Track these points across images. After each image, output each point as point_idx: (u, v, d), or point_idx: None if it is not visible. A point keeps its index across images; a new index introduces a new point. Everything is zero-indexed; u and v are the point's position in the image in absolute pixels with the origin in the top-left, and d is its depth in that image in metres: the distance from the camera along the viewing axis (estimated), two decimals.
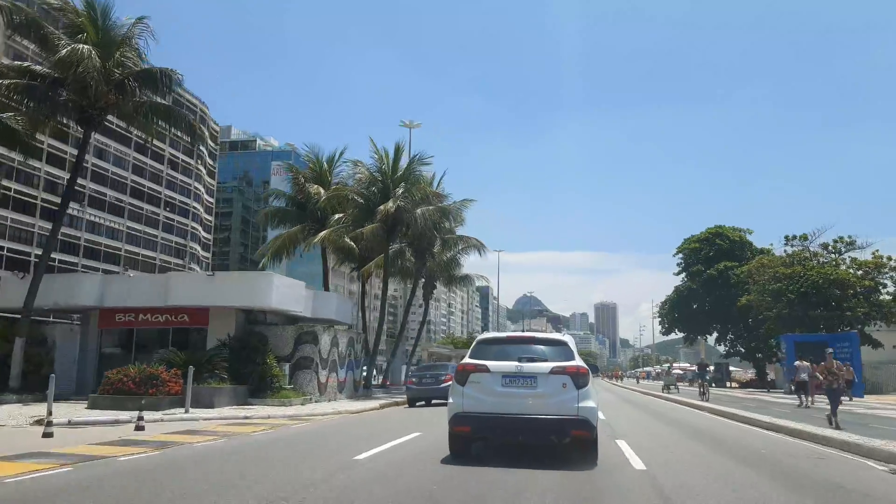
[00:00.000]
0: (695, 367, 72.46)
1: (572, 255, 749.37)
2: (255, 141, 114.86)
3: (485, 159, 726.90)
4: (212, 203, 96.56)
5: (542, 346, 8.47)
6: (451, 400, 8.23)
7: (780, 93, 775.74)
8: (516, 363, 7.94)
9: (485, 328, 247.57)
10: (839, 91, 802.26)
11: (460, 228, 36.66)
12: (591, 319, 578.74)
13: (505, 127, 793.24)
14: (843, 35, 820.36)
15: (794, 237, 44.76)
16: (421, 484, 6.65)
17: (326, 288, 30.87)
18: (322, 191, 29.12)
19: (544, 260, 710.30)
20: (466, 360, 8.35)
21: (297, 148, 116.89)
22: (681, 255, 59.26)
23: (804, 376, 24.21)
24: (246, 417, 15.69)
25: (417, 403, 21.39)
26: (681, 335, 60.98)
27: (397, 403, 23.00)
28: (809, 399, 25.56)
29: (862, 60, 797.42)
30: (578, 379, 7.81)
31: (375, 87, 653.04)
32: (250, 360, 19.21)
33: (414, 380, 22.10)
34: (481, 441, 8.73)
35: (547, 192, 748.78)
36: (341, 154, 32.55)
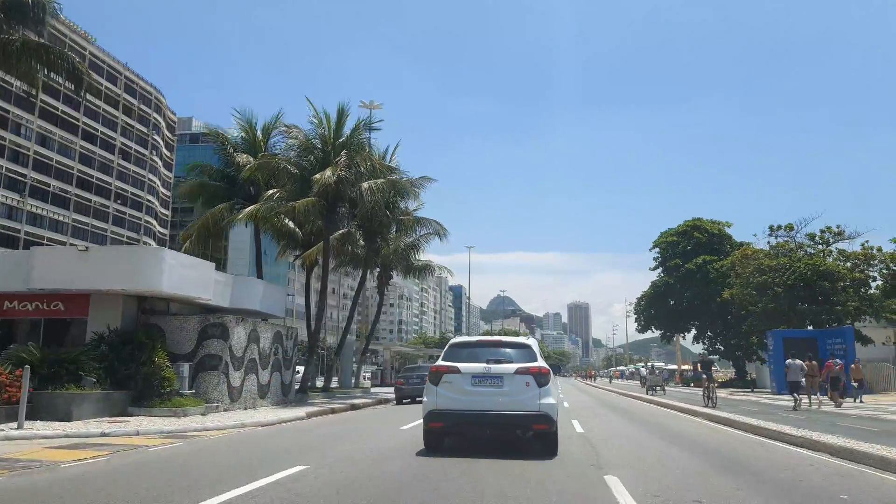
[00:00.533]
0: (660, 367, 69.73)
1: (546, 255, 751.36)
2: (218, 133, 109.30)
3: (458, 161, 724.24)
4: (168, 197, 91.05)
5: (508, 349, 9.25)
6: (425, 399, 8.92)
7: (757, 94, 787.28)
8: (485, 365, 8.68)
9: (458, 328, 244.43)
10: (833, 92, 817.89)
11: (422, 212, 32.91)
12: (565, 319, 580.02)
13: (481, 128, 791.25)
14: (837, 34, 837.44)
15: (779, 227, 41.83)
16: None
17: (259, 275, 26.72)
18: (252, 161, 24.97)
19: (518, 261, 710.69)
20: (440, 362, 8.99)
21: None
22: (657, 250, 56.27)
23: (800, 377, 21.26)
24: (102, 434, 11.64)
25: (404, 401, 24.33)
26: (657, 333, 57.97)
27: (333, 411, 19.15)
28: (807, 400, 22.81)
29: (853, 62, 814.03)
30: (540, 378, 8.58)
31: (356, 79, 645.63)
32: (133, 359, 15.07)
33: (402, 380, 25.51)
34: (451, 434, 9.17)
35: (522, 194, 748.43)
36: (277, 118, 28.41)
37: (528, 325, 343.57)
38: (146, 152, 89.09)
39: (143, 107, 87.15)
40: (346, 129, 24.91)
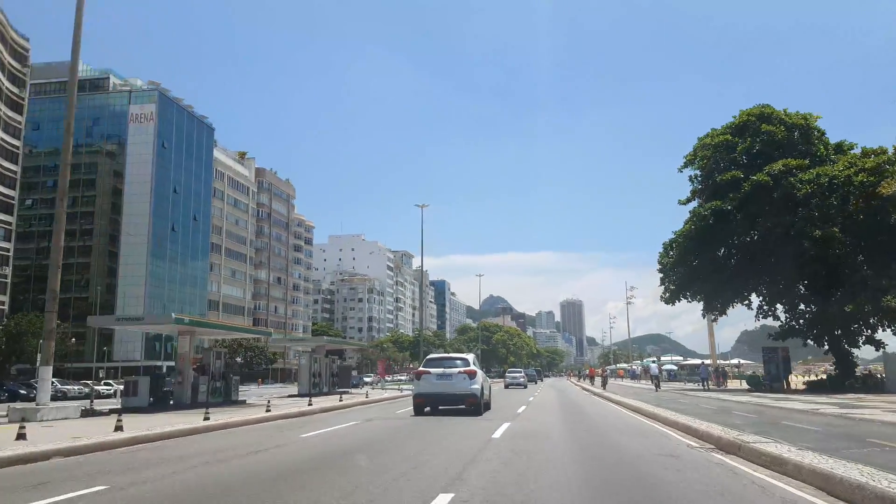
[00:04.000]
0: (698, 364, 48.89)
1: (538, 255, 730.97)
2: (108, 79, 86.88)
3: (447, 162, 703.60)
4: (17, 147, 68.50)
5: (457, 360, 16.89)
6: (413, 386, 18.79)
7: (756, 88, 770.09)
8: (443, 369, 16.37)
9: (441, 326, 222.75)
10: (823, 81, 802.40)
11: None
12: (557, 318, 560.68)
13: (468, 127, 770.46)
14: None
15: None
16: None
17: None
18: None
19: (511, 261, 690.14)
20: (420, 368, 17.55)
21: (166, 89, 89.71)
22: (693, 167, 34.75)
23: None
24: None
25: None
26: (693, 302, 36.32)
27: None
28: None
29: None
30: (470, 375, 16.10)
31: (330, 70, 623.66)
32: None
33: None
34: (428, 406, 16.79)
35: (514, 194, 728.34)
36: None
37: (519, 323, 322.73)
38: None
39: None
40: None
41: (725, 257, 33.21)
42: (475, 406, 15.76)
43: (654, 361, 44.89)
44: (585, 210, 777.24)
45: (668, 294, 34.97)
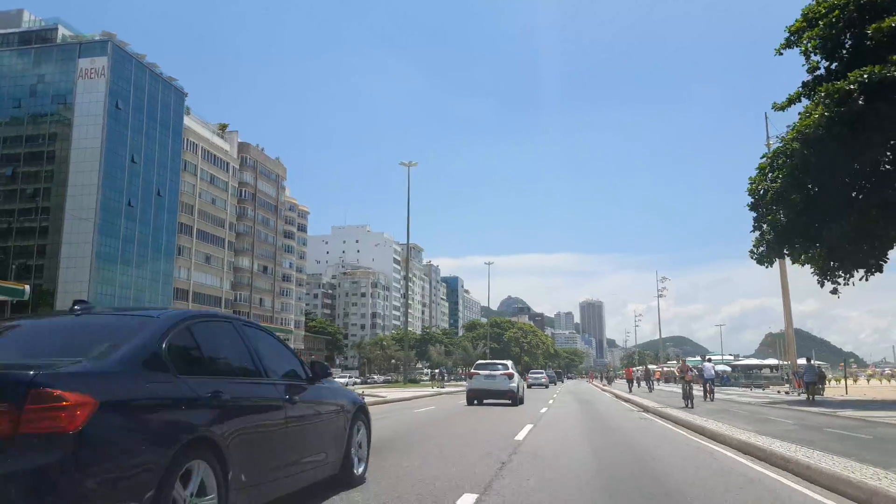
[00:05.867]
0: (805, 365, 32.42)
1: (557, 256, 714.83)
2: (57, 30, 74.84)
3: (469, 163, 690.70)
4: None
5: (499, 364, 21.93)
6: (467, 384, 24.63)
7: (766, 89, 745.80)
8: (489, 371, 21.09)
9: (454, 325, 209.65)
10: None
11: None
12: (577, 319, 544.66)
13: (486, 129, 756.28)
14: None
15: None
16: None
17: None
18: None
19: (530, 262, 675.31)
20: (472, 370, 22.77)
21: (124, 42, 77.68)
22: (812, 35, 21.10)
23: None
24: None
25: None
26: (802, 265, 22.62)
27: None
28: None
29: None
30: (511, 376, 20.57)
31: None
32: None
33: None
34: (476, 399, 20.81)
35: (532, 195, 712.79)
36: None
37: (534, 321, 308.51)
38: None
39: None
40: None
41: (865, 186, 19.73)
42: (513, 399, 20.05)
43: (708, 360, 31.17)
44: (603, 212, 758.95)
45: (763, 247, 21.58)
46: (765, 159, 20.99)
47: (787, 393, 32.73)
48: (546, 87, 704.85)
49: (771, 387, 43.19)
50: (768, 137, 34.43)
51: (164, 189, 78.89)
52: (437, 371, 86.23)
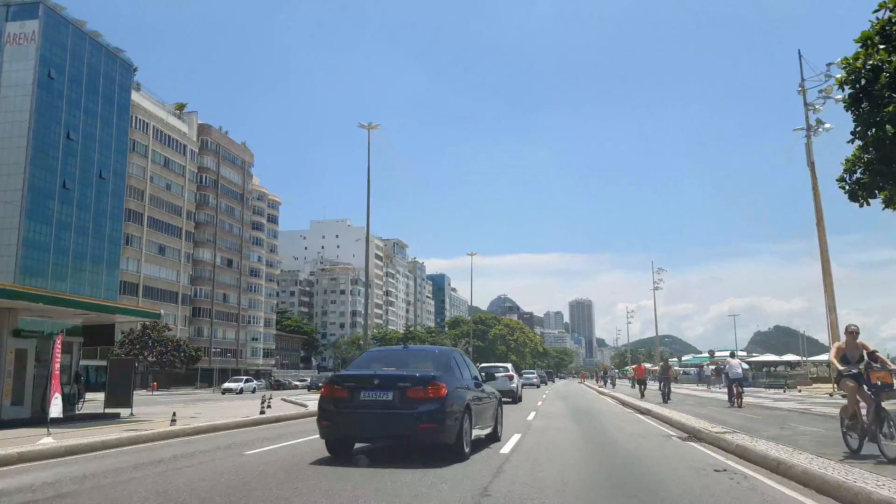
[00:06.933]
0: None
1: (547, 256, 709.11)
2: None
3: (462, 163, 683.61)
4: None
5: (500, 367, 26.43)
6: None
7: (762, 88, 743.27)
8: (493, 373, 23.34)
9: (440, 324, 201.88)
10: None
11: None
12: (566, 318, 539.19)
13: (484, 128, 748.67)
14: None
15: None
16: None
17: None
18: None
19: (519, 262, 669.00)
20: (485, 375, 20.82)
21: (60, 6, 69.53)
22: None
23: None
24: None
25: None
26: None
27: None
28: None
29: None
30: (512, 377, 24.84)
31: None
32: None
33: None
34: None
35: (522, 194, 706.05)
36: None
37: (527, 323, 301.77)
38: None
39: None
40: None
41: None
42: (514, 398, 23.30)
43: (732, 355, 23.72)
44: (594, 211, 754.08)
45: (846, 182, 14.29)
46: (876, 18, 13.44)
47: (830, 395, 25.62)
48: (542, 86, 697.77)
49: (799, 387, 36.04)
50: (803, 80, 27.54)
51: (108, 171, 70.93)
52: None
